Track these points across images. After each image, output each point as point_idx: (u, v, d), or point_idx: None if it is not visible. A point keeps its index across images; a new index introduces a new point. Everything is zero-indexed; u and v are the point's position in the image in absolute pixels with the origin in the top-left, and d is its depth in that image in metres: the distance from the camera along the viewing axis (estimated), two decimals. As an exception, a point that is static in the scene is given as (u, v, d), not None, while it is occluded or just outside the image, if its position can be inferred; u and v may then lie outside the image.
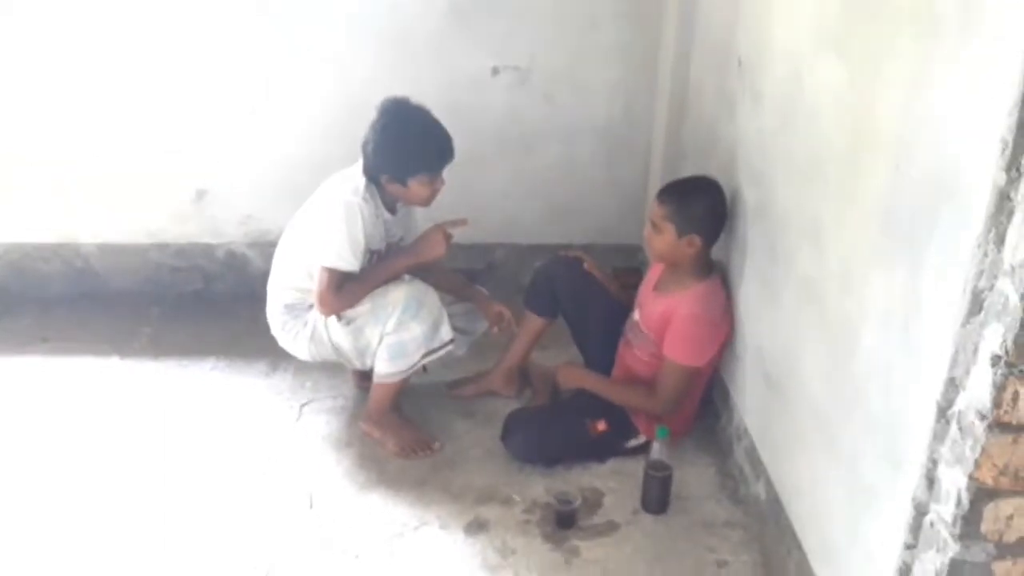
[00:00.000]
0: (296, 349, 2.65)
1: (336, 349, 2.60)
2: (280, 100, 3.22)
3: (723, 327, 2.51)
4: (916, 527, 1.47)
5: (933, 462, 1.42)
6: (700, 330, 2.47)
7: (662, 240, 2.47)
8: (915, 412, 1.49)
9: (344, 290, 2.46)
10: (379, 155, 2.45)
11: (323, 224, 2.45)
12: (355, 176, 2.50)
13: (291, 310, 2.62)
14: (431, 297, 2.55)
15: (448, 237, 2.59)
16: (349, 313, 2.51)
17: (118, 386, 2.94)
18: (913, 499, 1.48)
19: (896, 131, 1.58)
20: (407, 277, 2.58)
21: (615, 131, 3.35)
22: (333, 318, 2.52)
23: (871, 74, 1.68)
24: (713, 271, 2.53)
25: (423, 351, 2.56)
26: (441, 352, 2.61)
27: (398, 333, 2.51)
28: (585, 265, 2.78)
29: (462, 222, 2.63)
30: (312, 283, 2.53)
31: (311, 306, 2.58)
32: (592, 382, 2.65)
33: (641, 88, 3.28)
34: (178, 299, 3.46)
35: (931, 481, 1.42)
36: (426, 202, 2.55)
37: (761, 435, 2.35)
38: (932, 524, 1.43)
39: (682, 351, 2.46)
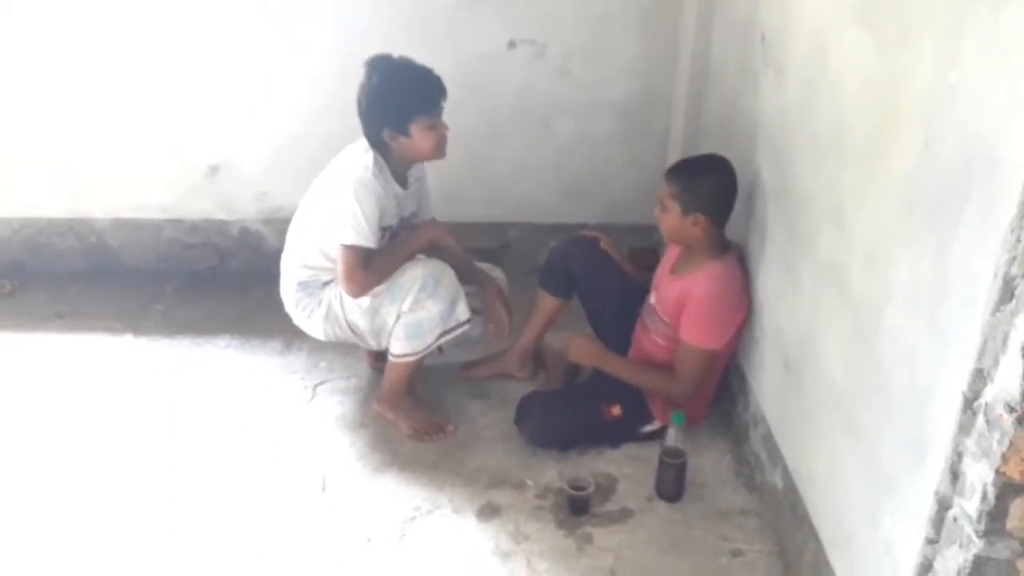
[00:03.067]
0: (311, 328, 2.62)
1: (352, 328, 2.56)
2: (292, 75, 3.17)
3: (740, 308, 2.45)
4: (939, 521, 1.42)
5: (958, 455, 1.36)
6: (716, 311, 2.42)
7: (668, 219, 2.42)
8: (940, 402, 1.44)
9: (371, 267, 2.42)
10: (374, 110, 2.42)
11: (337, 203, 2.41)
12: (362, 152, 2.46)
13: (305, 287, 2.58)
14: (448, 275, 2.51)
15: None
16: None
17: (131, 363, 2.93)
18: (936, 492, 1.42)
19: (924, 107, 1.51)
20: (422, 256, 2.55)
21: (633, 108, 3.27)
22: (348, 296, 2.48)
23: (899, 47, 1.61)
24: (728, 251, 2.46)
25: (439, 330, 2.53)
26: (457, 332, 2.57)
27: (414, 312, 2.47)
28: (601, 244, 2.72)
29: None
30: (326, 261, 2.50)
31: (325, 284, 2.55)
32: (608, 361, 2.57)
33: (661, 63, 3.20)
34: (192, 276, 3.44)
35: (955, 474, 1.37)
36: (435, 151, 2.48)
37: (778, 421, 2.29)
38: (955, 519, 1.37)
39: (699, 333, 2.40)
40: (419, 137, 2.44)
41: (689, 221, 2.39)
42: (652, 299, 2.57)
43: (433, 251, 2.58)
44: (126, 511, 2.31)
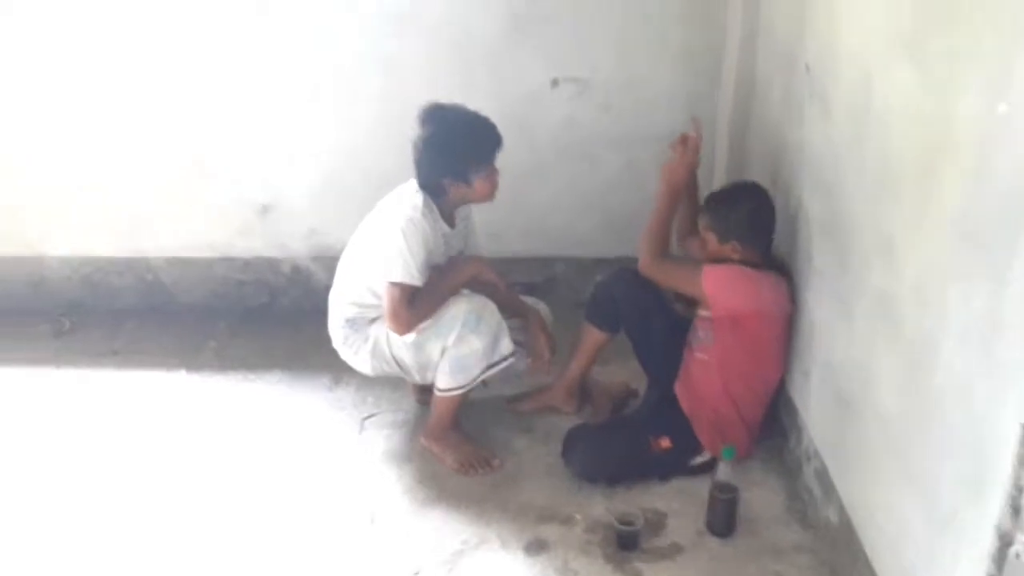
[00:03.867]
0: (358, 363, 2.66)
1: (398, 363, 2.59)
2: (340, 114, 3.25)
3: (765, 299, 2.44)
4: (1000, 558, 1.39)
5: (1018, 489, 1.33)
6: (735, 272, 2.43)
7: (709, 249, 2.48)
8: (998, 435, 1.41)
9: (416, 305, 2.45)
10: (437, 163, 2.46)
11: (386, 242, 2.45)
12: (412, 193, 2.50)
13: (352, 324, 2.62)
14: (490, 310, 2.53)
15: None
16: None
17: (185, 399, 2.99)
18: (997, 528, 1.39)
19: (975, 137, 1.50)
20: (466, 291, 2.57)
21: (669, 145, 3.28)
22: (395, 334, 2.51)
23: (947, 78, 1.60)
24: (771, 270, 2.48)
25: (484, 364, 2.54)
26: (502, 365, 2.58)
27: (458, 347, 2.49)
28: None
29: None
30: (373, 299, 2.54)
31: (372, 320, 2.59)
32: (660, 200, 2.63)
33: (704, 95, 3.22)
34: (244, 312, 3.51)
35: (1016, 509, 1.34)
36: (490, 195, 2.54)
37: (832, 456, 2.26)
38: (1018, 555, 1.34)
39: (711, 274, 2.42)
40: (479, 185, 2.50)
41: (728, 248, 2.44)
42: (698, 331, 2.56)
43: (476, 286, 2.60)
44: (178, 545, 2.34)
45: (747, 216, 2.45)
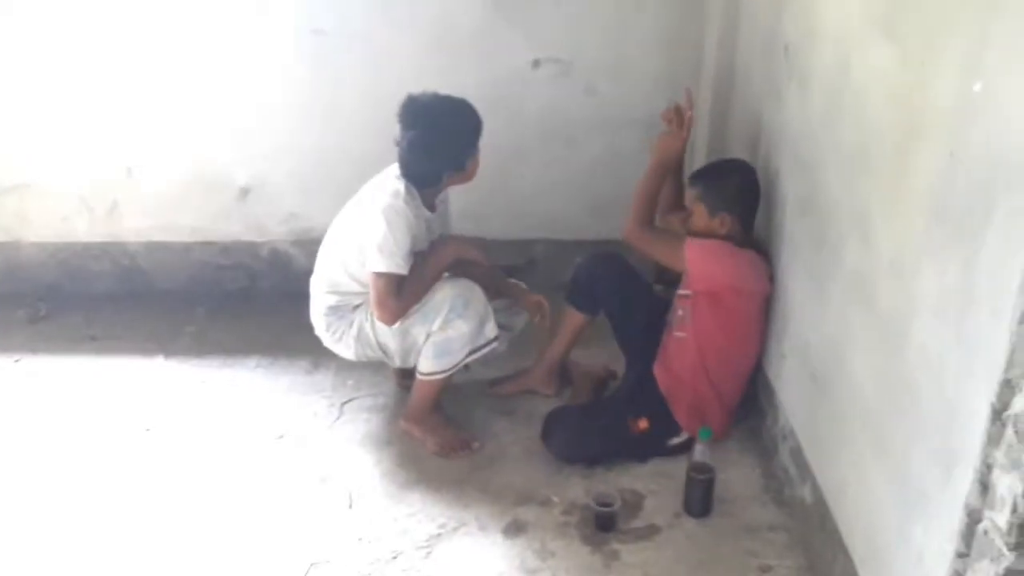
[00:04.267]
0: (341, 350, 2.64)
1: (382, 349, 2.58)
2: (321, 97, 3.22)
3: (745, 275, 2.45)
4: (969, 535, 1.39)
5: (987, 467, 1.34)
6: (720, 250, 2.43)
7: (696, 222, 2.49)
8: (968, 413, 1.41)
9: (402, 293, 2.44)
10: (434, 160, 2.45)
11: (368, 230, 2.43)
12: (393, 180, 2.48)
13: (335, 311, 2.61)
14: (477, 295, 2.52)
15: None
16: None
17: (163, 383, 2.97)
18: (966, 505, 1.40)
19: (950, 116, 1.50)
20: (448, 274, 2.56)
21: (658, 123, 3.26)
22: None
23: (923, 56, 1.60)
24: (752, 248, 2.49)
25: (468, 349, 2.54)
26: (486, 350, 2.58)
27: (444, 331, 2.49)
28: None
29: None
30: (356, 286, 2.53)
31: (356, 307, 2.58)
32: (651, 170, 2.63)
33: (685, 78, 3.19)
34: (223, 297, 3.48)
35: (985, 487, 1.34)
36: (476, 174, 2.56)
37: (807, 435, 2.27)
38: (986, 532, 1.35)
39: (693, 247, 2.42)
40: (471, 168, 2.52)
41: (716, 222, 2.45)
42: (677, 309, 2.57)
43: (459, 266, 2.59)
44: (156, 531, 2.33)
45: (738, 189, 2.48)
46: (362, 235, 2.45)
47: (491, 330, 2.56)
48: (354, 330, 2.58)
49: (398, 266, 2.40)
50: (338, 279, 2.58)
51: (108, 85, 3.19)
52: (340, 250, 2.58)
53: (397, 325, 2.49)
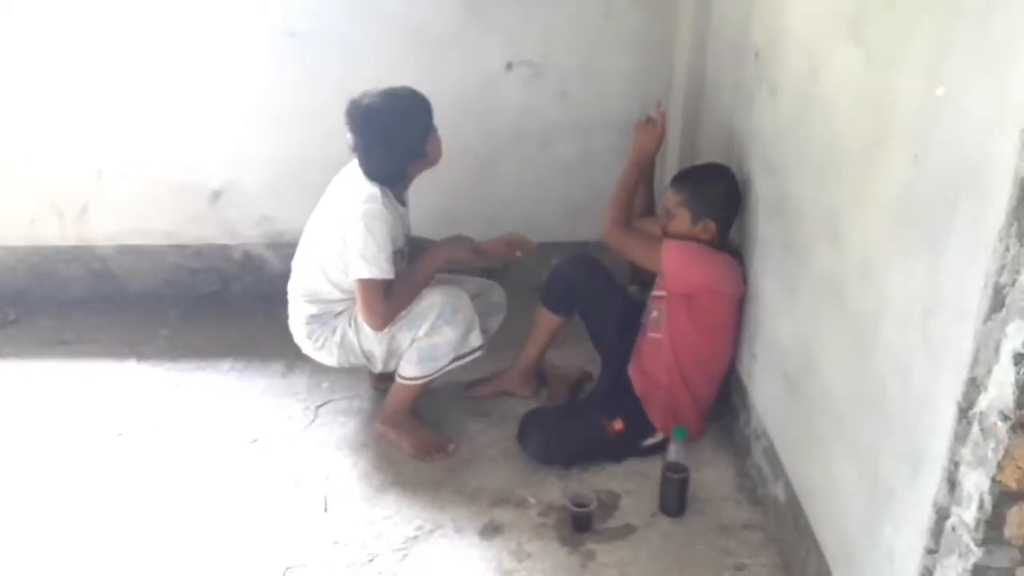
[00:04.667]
0: (322, 356, 2.63)
1: (366, 355, 2.58)
2: (294, 98, 3.21)
3: (721, 277, 2.47)
4: (937, 531, 1.42)
5: (954, 464, 1.37)
6: (697, 253, 2.45)
7: (676, 226, 2.49)
8: (935, 411, 1.44)
9: (391, 298, 2.43)
10: (395, 155, 2.44)
11: (349, 238, 2.41)
12: (364, 184, 2.45)
13: (317, 319, 2.59)
14: (465, 302, 2.53)
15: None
16: None
17: (135, 388, 2.94)
18: (934, 503, 1.43)
19: (914, 120, 1.53)
20: (439, 280, 2.58)
21: (631, 127, 3.29)
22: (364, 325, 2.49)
23: (888, 61, 1.63)
24: (726, 250, 2.52)
25: (452, 356, 2.54)
26: (469, 358, 2.59)
27: (431, 337, 2.49)
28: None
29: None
30: (338, 293, 2.53)
31: (338, 314, 2.57)
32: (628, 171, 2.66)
33: (657, 82, 3.23)
34: (196, 300, 3.46)
35: (952, 484, 1.37)
36: (440, 155, 2.55)
37: (779, 435, 2.29)
38: (954, 528, 1.38)
39: (671, 249, 2.44)
40: (432, 151, 2.51)
41: (699, 228, 2.46)
42: (652, 310, 2.59)
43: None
44: (130, 534, 2.31)
45: (724, 196, 2.49)
46: (343, 243, 2.44)
47: (475, 339, 2.57)
48: (337, 337, 2.57)
49: (383, 271, 2.40)
50: (319, 287, 2.57)
51: (78, 86, 3.16)
52: (318, 257, 2.55)
53: (385, 331, 2.49)
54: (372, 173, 2.45)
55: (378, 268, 2.39)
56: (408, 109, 2.43)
